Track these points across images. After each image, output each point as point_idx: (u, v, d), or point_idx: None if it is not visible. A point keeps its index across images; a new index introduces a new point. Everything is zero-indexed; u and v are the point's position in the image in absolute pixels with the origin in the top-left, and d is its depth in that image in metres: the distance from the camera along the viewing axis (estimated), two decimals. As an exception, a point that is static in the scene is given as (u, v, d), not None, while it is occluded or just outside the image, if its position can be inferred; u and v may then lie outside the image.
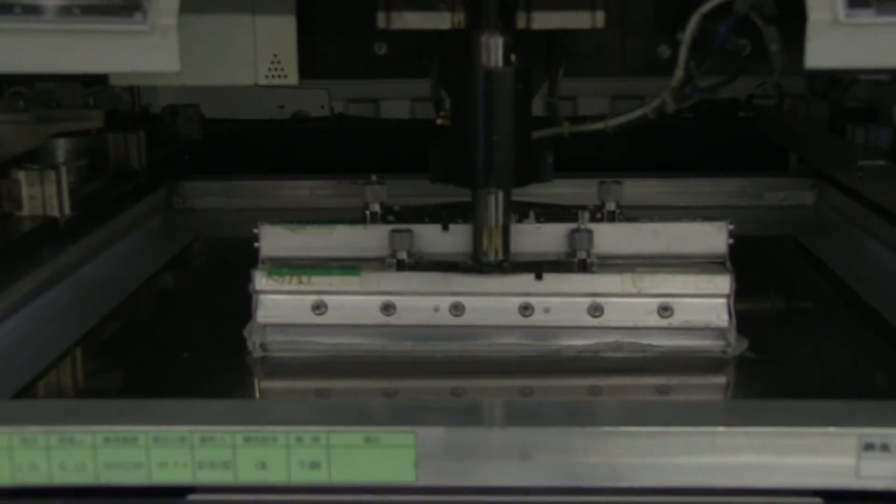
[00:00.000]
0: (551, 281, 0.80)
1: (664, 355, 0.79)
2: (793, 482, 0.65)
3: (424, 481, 0.65)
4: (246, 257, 0.83)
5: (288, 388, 0.79)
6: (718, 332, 0.80)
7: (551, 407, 0.71)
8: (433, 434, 0.65)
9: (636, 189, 1.17)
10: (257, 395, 0.78)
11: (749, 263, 0.83)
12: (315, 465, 0.65)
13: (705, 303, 0.79)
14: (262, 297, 0.80)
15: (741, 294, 0.80)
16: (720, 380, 0.79)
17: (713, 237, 0.82)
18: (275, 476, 0.65)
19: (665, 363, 0.79)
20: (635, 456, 0.65)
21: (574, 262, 0.81)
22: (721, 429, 0.65)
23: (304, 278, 0.80)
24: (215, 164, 1.38)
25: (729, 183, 1.26)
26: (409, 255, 0.81)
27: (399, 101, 1.58)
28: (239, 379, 0.79)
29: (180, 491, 0.66)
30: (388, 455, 0.65)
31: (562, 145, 0.85)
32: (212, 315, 0.92)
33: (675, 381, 0.78)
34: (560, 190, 1.10)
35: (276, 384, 0.79)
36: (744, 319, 0.80)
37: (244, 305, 0.81)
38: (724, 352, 0.80)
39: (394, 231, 0.81)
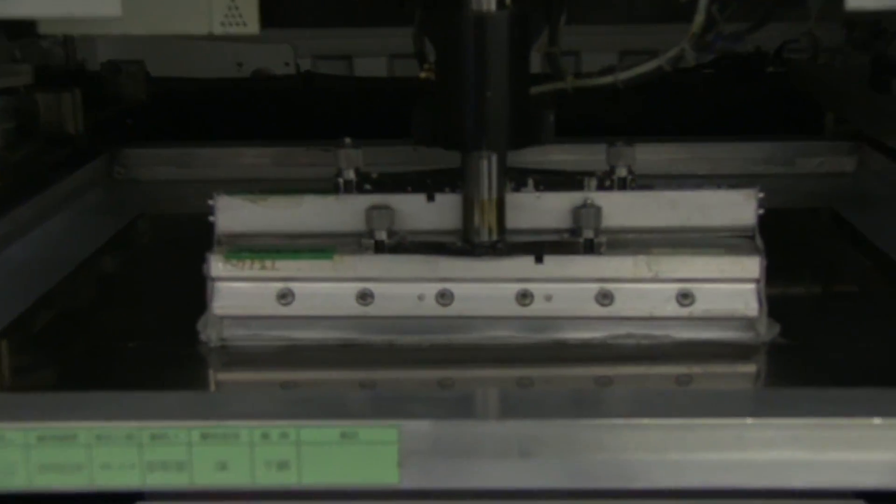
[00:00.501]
0: (553, 264, 0.80)
1: (684, 343, 0.80)
2: (831, 481, 0.66)
3: (409, 483, 0.66)
4: (199, 236, 0.83)
5: (251, 378, 0.79)
6: (747, 322, 0.80)
7: (554, 397, 0.71)
8: (419, 428, 0.65)
9: (650, 156, 1.17)
10: (215, 386, 0.78)
11: (781, 240, 0.84)
12: (283, 466, 0.65)
13: (731, 288, 0.80)
14: (219, 285, 0.81)
15: (772, 276, 0.80)
16: (749, 368, 0.80)
17: (740, 207, 0.82)
18: (237, 478, 0.66)
19: (685, 350, 0.80)
20: (651, 452, 0.65)
21: (579, 241, 0.81)
22: (749, 420, 0.66)
23: (268, 263, 0.80)
24: (164, 129, 1.38)
25: (756, 148, 1.27)
26: (390, 234, 0.81)
27: (375, 57, 1.57)
28: (194, 370, 0.80)
29: (128, 497, 0.66)
30: (368, 453, 0.65)
31: (565, 104, 0.85)
32: (160, 303, 0.92)
33: (696, 369, 0.78)
34: (563, 156, 1.11)
35: (236, 374, 0.79)
36: (776, 304, 0.81)
37: (198, 293, 0.81)
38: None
39: (372, 208, 0.81)
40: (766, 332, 0.80)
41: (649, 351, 0.80)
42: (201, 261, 0.81)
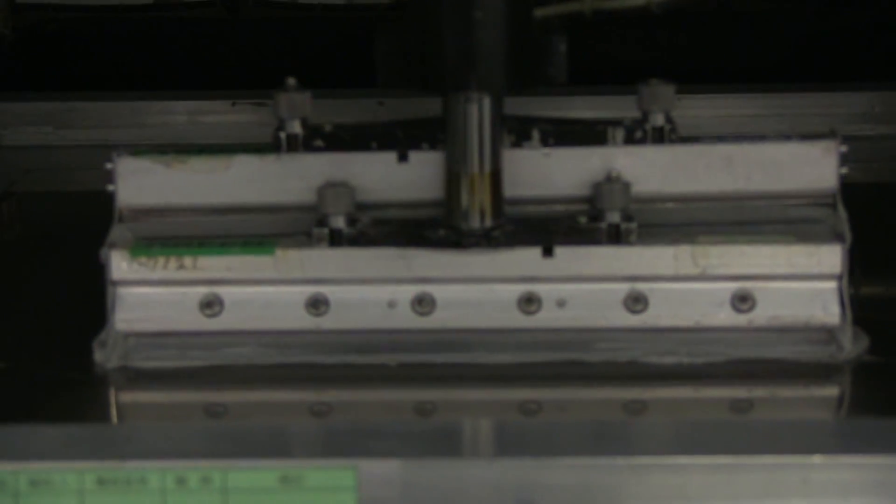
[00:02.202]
0: (567, 258, 0.82)
1: (742, 361, 0.82)
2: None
3: (371, 542, 0.67)
4: (87, 222, 0.84)
5: (162, 404, 0.81)
6: (825, 333, 0.82)
7: (568, 428, 0.72)
8: (384, 470, 0.66)
9: (700, 109, 1.19)
10: (115, 415, 0.80)
11: (873, 222, 0.85)
12: (204, 519, 0.67)
13: (804, 288, 0.82)
14: (123, 292, 0.82)
15: (861, 270, 0.83)
16: (827, 392, 0.82)
17: (815, 165, 0.84)
18: (143, 536, 0.67)
19: (743, 370, 0.81)
20: (696, 500, 0.67)
21: (602, 226, 0.83)
22: (822, 459, 0.67)
23: (188, 260, 0.82)
24: (36, 75, 1.38)
25: (844, 100, 1.26)
26: (350, 218, 0.83)
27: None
28: (88, 394, 0.80)
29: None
30: (316, 503, 0.66)
31: (583, 37, 0.86)
32: (39, 313, 0.93)
33: (757, 393, 0.80)
34: (580, 109, 1.12)
35: (143, 399, 0.81)
36: (863, 309, 0.83)
37: (91, 301, 0.83)
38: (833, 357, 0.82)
39: (326, 187, 0.82)
40: (852, 346, 0.82)
41: (695, 371, 0.81)
42: (94, 256, 0.82)
